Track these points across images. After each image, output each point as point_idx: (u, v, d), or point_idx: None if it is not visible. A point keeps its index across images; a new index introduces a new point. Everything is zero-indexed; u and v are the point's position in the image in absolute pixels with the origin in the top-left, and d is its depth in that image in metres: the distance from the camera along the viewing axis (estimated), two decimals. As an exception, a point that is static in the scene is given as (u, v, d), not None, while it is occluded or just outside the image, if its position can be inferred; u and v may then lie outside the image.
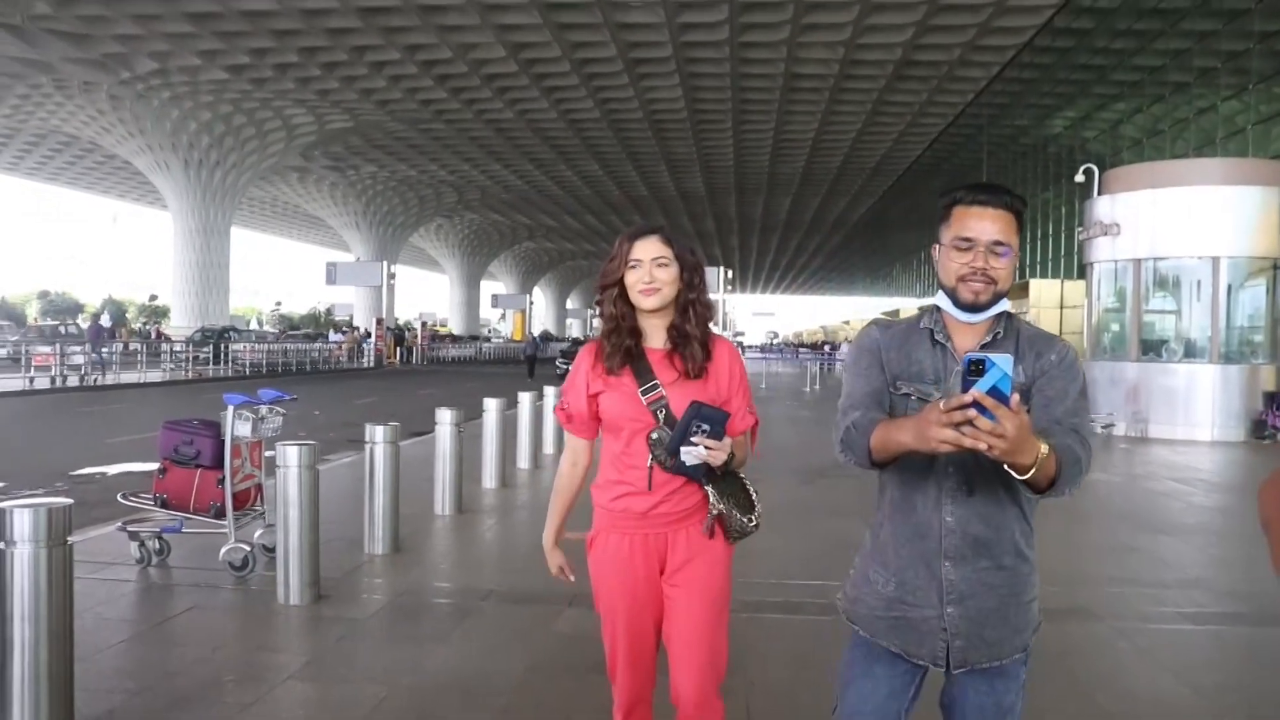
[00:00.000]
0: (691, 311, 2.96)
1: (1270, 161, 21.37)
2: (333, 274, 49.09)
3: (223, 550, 6.49)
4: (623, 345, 2.93)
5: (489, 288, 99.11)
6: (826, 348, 67.24)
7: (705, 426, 2.78)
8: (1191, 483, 11.56)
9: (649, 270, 2.90)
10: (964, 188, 2.43)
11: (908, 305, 69.08)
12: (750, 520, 2.95)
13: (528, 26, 32.89)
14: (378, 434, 7.30)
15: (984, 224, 2.35)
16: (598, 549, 3.04)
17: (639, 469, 2.91)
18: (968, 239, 2.35)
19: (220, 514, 6.62)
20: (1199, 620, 5.86)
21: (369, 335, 52.34)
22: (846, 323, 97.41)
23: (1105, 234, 17.28)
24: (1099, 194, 18.25)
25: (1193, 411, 16.46)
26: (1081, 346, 19.79)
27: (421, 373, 43.07)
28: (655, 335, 2.98)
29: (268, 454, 6.80)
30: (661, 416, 2.88)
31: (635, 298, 2.93)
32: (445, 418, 8.86)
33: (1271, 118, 25.47)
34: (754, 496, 3.01)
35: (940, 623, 2.35)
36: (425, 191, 64.71)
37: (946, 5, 30.41)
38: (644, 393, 2.90)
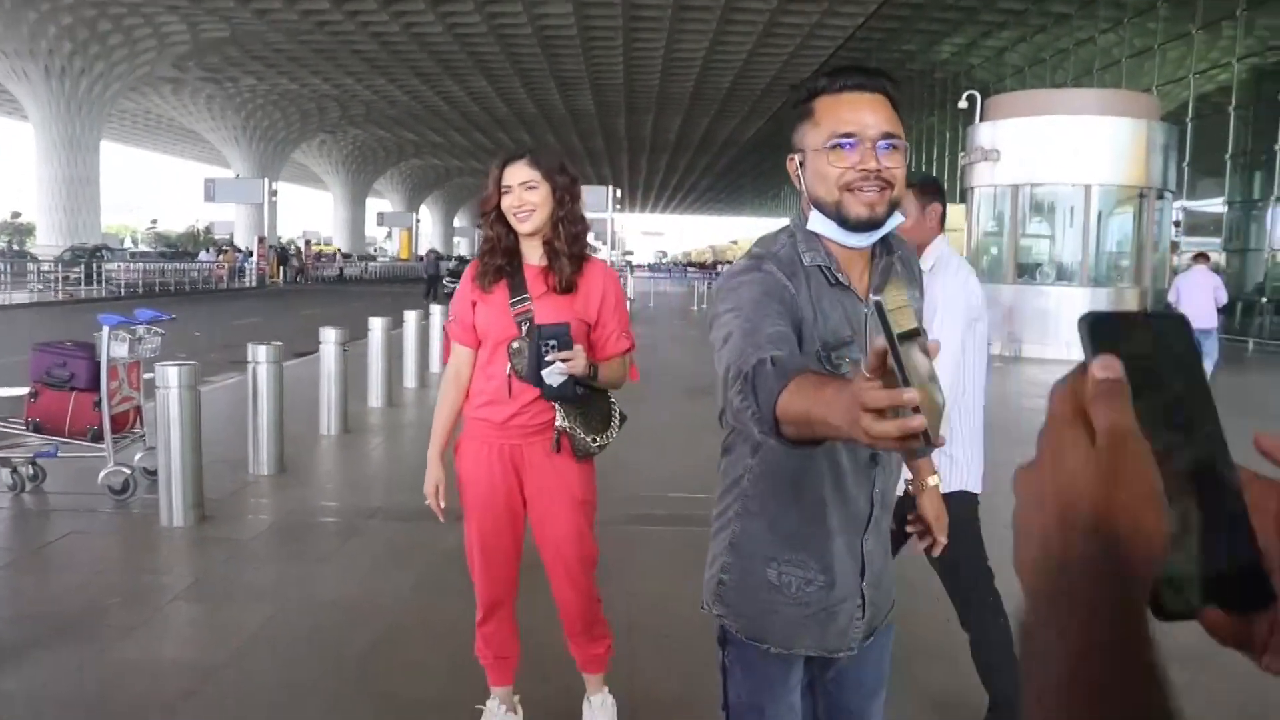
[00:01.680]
0: (561, 228, 3.07)
1: (1141, 94, 22.12)
2: (211, 191, 47.29)
3: (101, 474, 6.37)
4: (494, 265, 3.08)
5: (375, 205, 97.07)
6: (717, 267, 67.75)
7: (553, 343, 2.90)
8: (1058, 401, 12.09)
9: (518, 195, 3.02)
10: (827, 74, 1.90)
11: (795, 226, 69.91)
12: (595, 440, 3.07)
13: (413, -65, 31.98)
14: (260, 353, 7.23)
15: (863, 114, 1.81)
16: (460, 455, 3.20)
17: (499, 379, 3.06)
18: (849, 135, 1.80)
19: (98, 437, 6.48)
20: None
21: (250, 254, 51.01)
22: (734, 242, 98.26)
23: (985, 159, 17.74)
24: (981, 120, 18.69)
25: (1063, 332, 17.14)
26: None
27: (306, 292, 42.22)
28: (533, 253, 3.11)
29: (146, 375, 6.67)
30: (524, 328, 3.02)
31: (512, 222, 3.05)
32: (329, 336, 8.80)
33: (1144, 51, 26.28)
34: (614, 418, 3.14)
35: (858, 602, 1.99)
36: (308, 106, 62.79)
37: (838, -74, 30.42)
38: (513, 304, 3.05)
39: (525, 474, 3.13)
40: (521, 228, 3.05)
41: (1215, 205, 23.26)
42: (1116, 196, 17.70)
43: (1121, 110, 17.77)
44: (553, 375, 2.93)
